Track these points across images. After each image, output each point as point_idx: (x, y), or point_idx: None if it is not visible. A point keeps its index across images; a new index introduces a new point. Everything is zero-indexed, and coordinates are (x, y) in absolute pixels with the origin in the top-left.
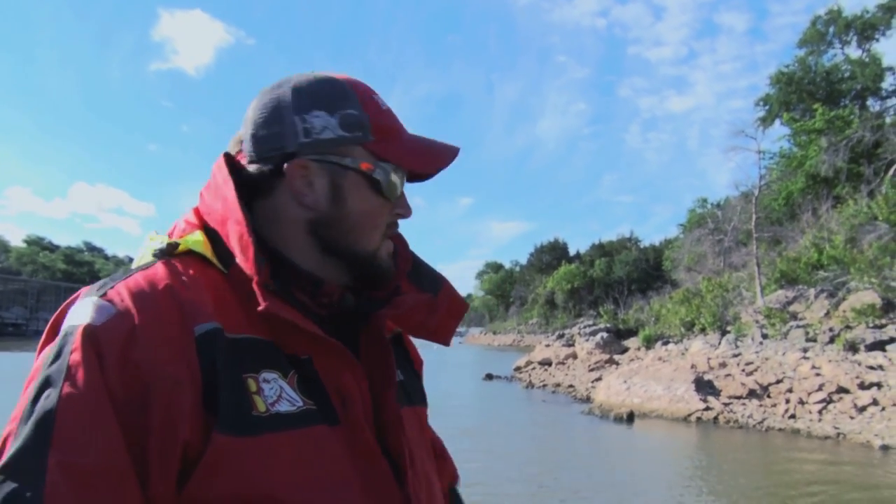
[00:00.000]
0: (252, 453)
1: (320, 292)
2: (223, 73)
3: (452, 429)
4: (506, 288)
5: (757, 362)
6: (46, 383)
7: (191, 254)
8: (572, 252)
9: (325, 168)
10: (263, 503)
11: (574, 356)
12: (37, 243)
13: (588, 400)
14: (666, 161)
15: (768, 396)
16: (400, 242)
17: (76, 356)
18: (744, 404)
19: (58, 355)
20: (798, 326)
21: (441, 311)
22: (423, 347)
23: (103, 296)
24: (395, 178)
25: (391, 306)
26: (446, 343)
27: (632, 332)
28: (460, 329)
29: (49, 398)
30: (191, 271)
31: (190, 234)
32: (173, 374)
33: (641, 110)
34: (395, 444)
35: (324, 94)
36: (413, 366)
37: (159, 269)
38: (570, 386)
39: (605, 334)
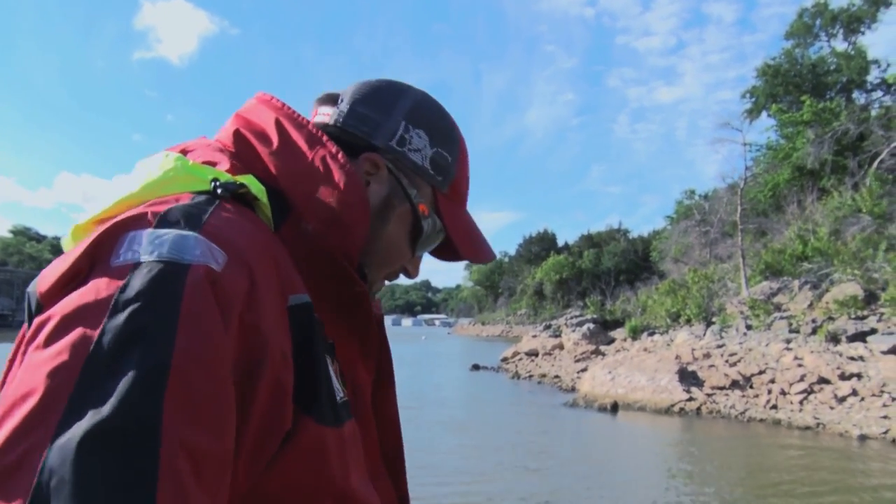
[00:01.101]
0: (338, 444)
1: None
2: (207, 63)
3: (437, 421)
4: (494, 279)
5: (740, 353)
6: (140, 332)
7: (236, 200)
8: (561, 243)
9: (391, 182)
10: (340, 499)
11: (561, 347)
12: (23, 234)
13: (573, 390)
14: (654, 152)
15: (751, 387)
16: None
17: (197, 305)
18: (727, 395)
19: (157, 299)
20: (782, 318)
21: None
22: (412, 337)
23: (202, 232)
24: (434, 237)
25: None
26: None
27: (619, 324)
28: (449, 320)
29: (153, 350)
30: (262, 223)
31: (244, 177)
32: (281, 347)
33: (630, 101)
34: (391, 444)
35: (438, 124)
36: None
37: (240, 213)
38: (556, 377)
39: (591, 325)
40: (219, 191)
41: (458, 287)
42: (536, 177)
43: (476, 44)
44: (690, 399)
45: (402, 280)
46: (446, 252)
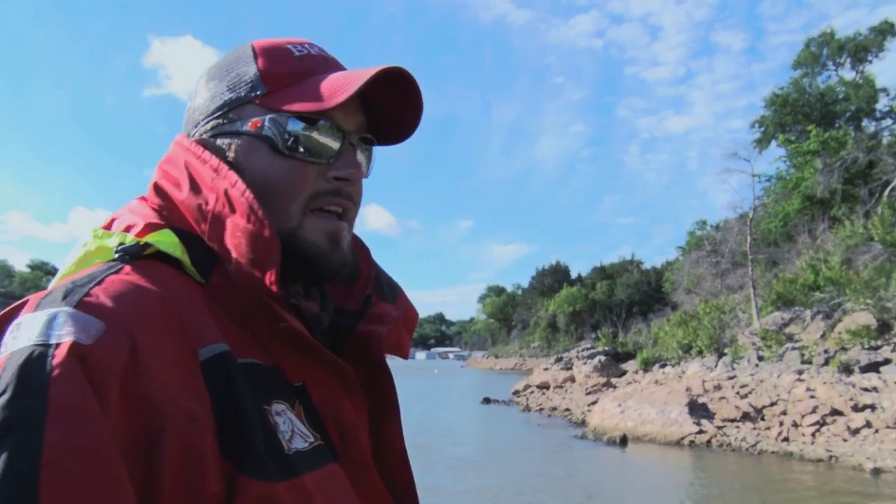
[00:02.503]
0: (299, 498)
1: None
2: None
3: (446, 458)
4: (508, 311)
5: (752, 385)
6: (10, 427)
7: (155, 259)
8: (574, 275)
9: (224, 140)
10: None
11: (572, 379)
12: (40, 268)
13: (583, 423)
14: (666, 182)
15: (762, 419)
16: (357, 243)
17: (64, 389)
18: (737, 427)
19: (22, 389)
20: (794, 348)
21: (399, 322)
22: (425, 371)
23: (78, 304)
24: (304, 128)
25: (375, 319)
26: (405, 357)
27: (631, 356)
28: (462, 353)
29: (20, 451)
30: (170, 280)
31: (157, 233)
32: (187, 409)
33: (640, 131)
34: (400, 481)
35: (221, 65)
36: None
37: (140, 274)
38: (567, 409)
39: (602, 357)
40: (117, 256)
41: (471, 320)
42: (548, 209)
43: (484, 76)
44: (701, 432)
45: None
46: (387, 128)
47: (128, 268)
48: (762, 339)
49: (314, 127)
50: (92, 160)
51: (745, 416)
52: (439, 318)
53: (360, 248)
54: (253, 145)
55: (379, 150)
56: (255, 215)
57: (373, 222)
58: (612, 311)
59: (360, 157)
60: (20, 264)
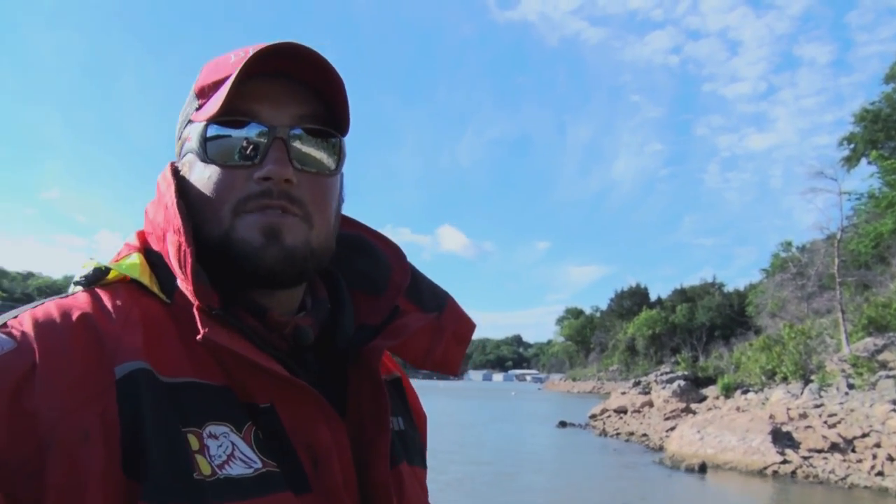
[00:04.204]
0: None
1: (267, 324)
2: None
3: (523, 487)
4: (586, 334)
5: (841, 414)
6: None
7: (127, 282)
8: (653, 297)
9: (180, 164)
10: None
11: (650, 404)
12: None
13: (661, 449)
14: (748, 201)
15: (853, 451)
16: (391, 251)
17: None
18: (825, 459)
19: None
20: (888, 376)
21: (447, 334)
22: (502, 393)
23: (1, 327)
24: (220, 135)
25: (387, 335)
26: (455, 373)
27: (711, 381)
28: (540, 375)
29: None
30: (118, 301)
31: (125, 258)
32: (80, 427)
33: (720, 149)
34: None
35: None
36: (413, 418)
37: (79, 298)
38: (644, 435)
39: (682, 382)
40: (75, 283)
41: (549, 342)
42: (625, 229)
43: (558, 95)
44: (785, 461)
45: (493, 335)
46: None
47: (79, 293)
48: (853, 366)
49: (237, 129)
50: None
51: (834, 447)
52: (517, 340)
53: (393, 254)
54: (192, 160)
55: (453, 172)
56: (175, 224)
57: (447, 244)
58: (692, 334)
59: (309, 151)
60: None
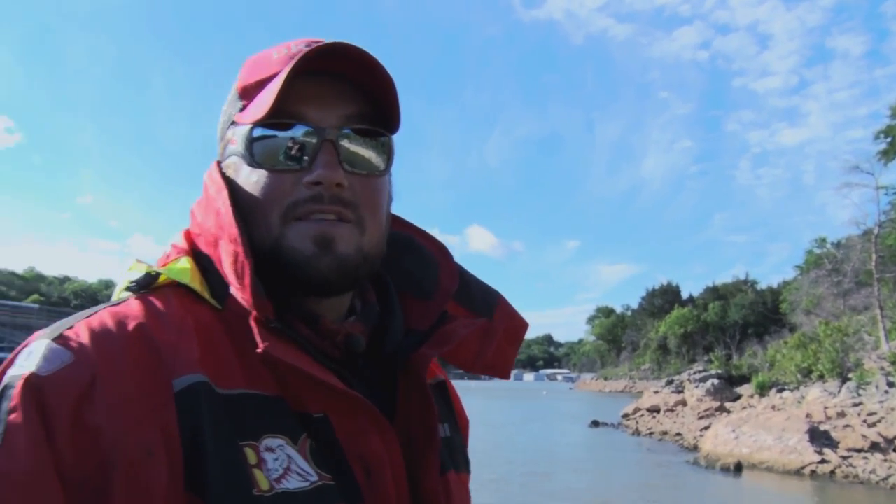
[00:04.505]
0: None
1: (320, 331)
2: None
3: (558, 487)
4: (617, 333)
5: (881, 413)
6: None
7: (177, 287)
8: (685, 295)
9: (224, 165)
10: None
11: (683, 403)
12: None
13: (695, 449)
14: (780, 198)
15: (894, 451)
16: (440, 253)
17: (15, 418)
18: (865, 458)
19: None
20: None
21: (498, 335)
22: (534, 393)
23: (57, 338)
24: (267, 138)
25: (435, 342)
26: (506, 376)
27: (745, 379)
28: (571, 375)
29: None
30: (172, 309)
31: (175, 262)
32: (144, 443)
33: (751, 145)
34: None
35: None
36: (457, 422)
37: (132, 306)
38: (678, 434)
39: (716, 381)
40: (127, 289)
41: (580, 341)
42: (655, 227)
43: (587, 93)
44: (823, 461)
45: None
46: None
47: (131, 300)
48: (892, 363)
49: (284, 131)
50: None
51: (875, 447)
52: (547, 340)
53: (442, 258)
54: (237, 163)
55: (481, 172)
56: (231, 234)
57: (476, 244)
58: (725, 332)
59: (359, 152)
60: None
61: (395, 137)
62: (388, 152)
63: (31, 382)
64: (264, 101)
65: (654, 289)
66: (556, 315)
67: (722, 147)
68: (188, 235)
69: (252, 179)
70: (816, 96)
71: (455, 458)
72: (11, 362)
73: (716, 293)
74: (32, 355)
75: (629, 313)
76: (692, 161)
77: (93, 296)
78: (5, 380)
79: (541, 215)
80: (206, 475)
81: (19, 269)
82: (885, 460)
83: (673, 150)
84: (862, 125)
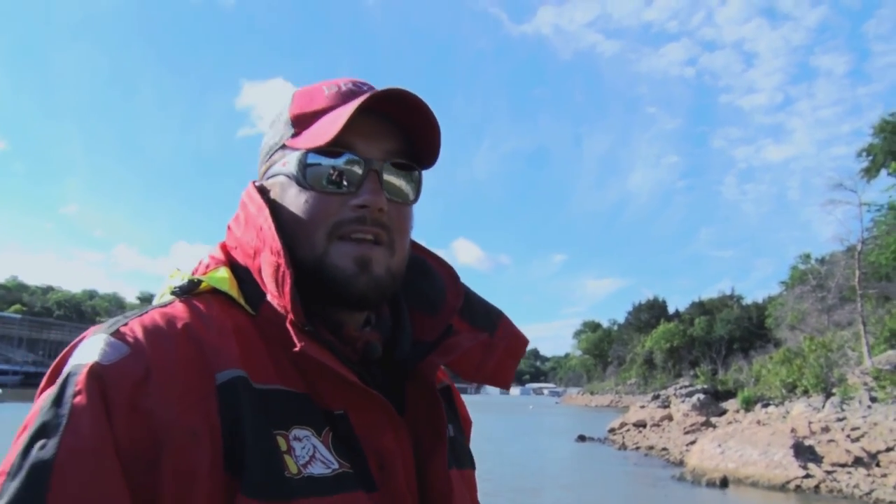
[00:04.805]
0: None
1: (342, 337)
2: None
3: (543, 501)
4: (603, 347)
5: (864, 427)
6: (42, 432)
7: (215, 293)
8: (671, 310)
9: (271, 182)
10: None
11: (669, 418)
12: (148, 300)
13: (681, 463)
14: (766, 213)
15: (877, 465)
16: (447, 273)
17: (80, 400)
18: (849, 473)
19: (57, 399)
20: None
21: (499, 350)
22: (520, 407)
23: (114, 333)
24: (321, 164)
25: (441, 352)
26: (506, 387)
27: (731, 394)
28: (557, 389)
29: (45, 449)
30: (213, 312)
31: (214, 271)
32: (191, 427)
33: (737, 161)
34: None
35: (275, 114)
36: (461, 424)
37: (178, 308)
38: (664, 449)
39: (701, 396)
40: (171, 294)
41: (566, 356)
42: (642, 242)
43: (575, 107)
44: (807, 476)
45: None
46: (416, 150)
47: (177, 303)
48: (875, 378)
49: (334, 159)
50: (192, 197)
51: (858, 461)
52: (534, 354)
53: (448, 278)
54: (286, 184)
55: (468, 185)
56: (273, 247)
57: (462, 257)
58: (711, 347)
59: (397, 183)
60: (130, 296)
61: None
62: (418, 185)
63: (94, 371)
64: (325, 131)
65: (641, 303)
66: (542, 329)
67: (708, 162)
68: (224, 248)
69: (301, 199)
70: (801, 113)
71: (459, 456)
72: (70, 353)
73: (702, 308)
74: (92, 348)
75: (615, 328)
76: (679, 176)
77: (76, 306)
78: (68, 368)
79: (528, 229)
80: (243, 458)
81: (1, 279)
82: (869, 475)
83: (660, 164)
84: (845, 142)
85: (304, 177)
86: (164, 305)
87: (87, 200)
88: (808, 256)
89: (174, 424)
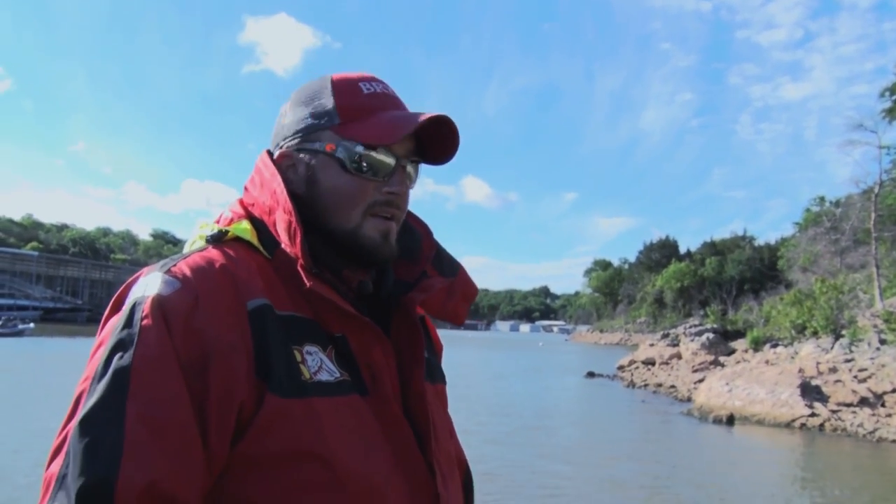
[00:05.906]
0: (300, 414)
1: (341, 278)
2: (311, 75)
3: (554, 441)
4: (614, 286)
5: (872, 369)
6: (119, 346)
7: (238, 240)
8: (683, 250)
9: (305, 155)
10: (309, 459)
11: (678, 356)
12: (161, 237)
13: (689, 401)
14: (781, 153)
15: (882, 405)
16: (423, 230)
17: (147, 322)
18: (854, 412)
19: (128, 322)
20: None
21: (457, 294)
22: (529, 344)
23: (167, 271)
24: (367, 154)
25: (419, 289)
26: (460, 323)
27: (740, 334)
28: (567, 327)
29: (123, 358)
30: (241, 255)
31: (238, 223)
32: (230, 341)
33: (753, 99)
34: (420, 415)
35: (305, 93)
36: (434, 347)
37: (213, 252)
38: (672, 386)
39: (711, 335)
40: (205, 240)
41: (576, 294)
42: (654, 181)
43: (586, 43)
44: (813, 415)
45: (520, 286)
46: (429, 151)
47: (210, 248)
48: (885, 321)
49: (374, 152)
50: (199, 134)
51: (864, 402)
52: (544, 292)
53: (424, 233)
54: (326, 162)
55: (477, 123)
56: (286, 207)
57: (471, 195)
58: (721, 287)
59: (411, 174)
60: (143, 233)
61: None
62: (417, 173)
63: (156, 300)
64: (389, 133)
65: (652, 243)
66: (552, 267)
67: (723, 101)
68: (242, 204)
69: (343, 179)
70: (821, 50)
71: (433, 373)
72: (129, 288)
73: (713, 248)
74: (152, 283)
75: (626, 267)
76: (692, 114)
77: (91, 243)
78: (132, 299)
79: (538, 167)
80: (269, 365)
81: (16, 217)
82: (873, 414)
83: (673, 102)
84: (867, 81)
85: (355, 163)
86: (202, 250)
87: (95, 138)
88: (822, 199)
89: (218, 340)
